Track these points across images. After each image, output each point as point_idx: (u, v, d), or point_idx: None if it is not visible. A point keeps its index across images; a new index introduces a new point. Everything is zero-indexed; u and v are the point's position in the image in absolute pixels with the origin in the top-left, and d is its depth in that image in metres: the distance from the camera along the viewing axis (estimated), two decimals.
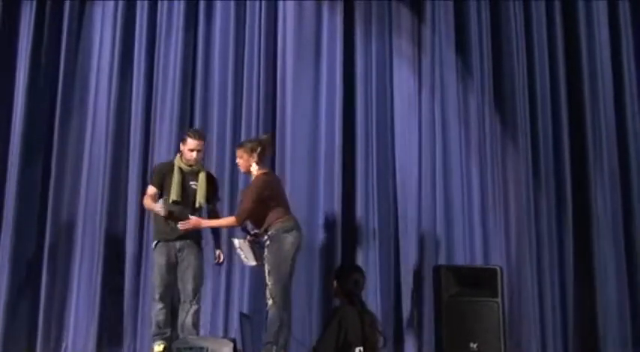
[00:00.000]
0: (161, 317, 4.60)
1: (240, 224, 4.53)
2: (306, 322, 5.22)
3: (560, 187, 5.54)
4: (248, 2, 5.76)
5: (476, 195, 5.48)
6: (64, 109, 5.65)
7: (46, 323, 5.35)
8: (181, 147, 4.74)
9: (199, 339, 4.23)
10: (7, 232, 5.43)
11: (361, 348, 3.99)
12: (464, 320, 4.63)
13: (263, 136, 4.86)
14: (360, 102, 5.63)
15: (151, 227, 5.03)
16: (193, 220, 4.52)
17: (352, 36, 5.74)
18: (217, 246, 4.86)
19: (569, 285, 5.39)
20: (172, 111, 5.60)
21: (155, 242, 4.69)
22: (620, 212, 5.53)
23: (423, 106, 5.62)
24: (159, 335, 4.60)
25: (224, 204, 5.26)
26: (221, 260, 4.86)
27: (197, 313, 4.66)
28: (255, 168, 4.55)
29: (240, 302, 5.30)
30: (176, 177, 4.64)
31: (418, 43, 5.72)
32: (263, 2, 5.73)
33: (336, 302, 4.47)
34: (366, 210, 5.46)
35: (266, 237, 4.42)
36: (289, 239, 4.39)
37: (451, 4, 5.73)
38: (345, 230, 5.43)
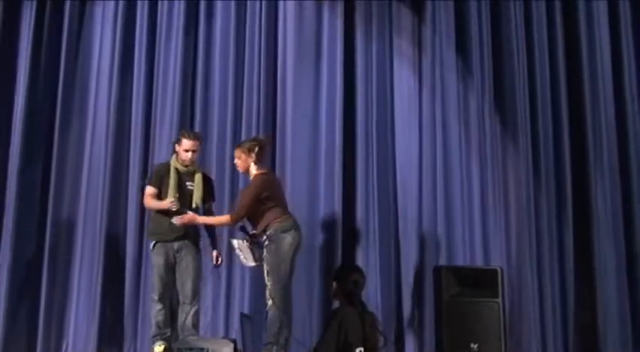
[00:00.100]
0: (161, 318, 4.61)
1: (235, 223, 4.54)
2: (306, 322, 5.22)
3: (561, 187, 5.54)
4: (248, 2, 5.76)
5: (476, 195, 5.47)
6: (64, 109, 5.65)
7: (46, 324, 5.35)
8: (176, 148, 4.75)
9: (200, 340, 4.25)
10: (8, 233, 5.42)
11: (362, 349, 4.00)
12: (464, 320, 4.63)
13: (261, 136, 4.86)
14: (360, 102, 5.63)
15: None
16: (189, 215, 4.55)
17: (353, 36, 5.74)
18: (214, 246, 4.86)
19: (569, 285, 5.39)
20: (173, 111, 5.60)
21: (153, 242, 4.70)
22: (621, 212, 5.53)
23: (423, 106, 5.62)
24: (159, 336, 4.61)
25: (224, 204, 5.26)
26: (219, 262, 4.86)
27: (197, 313, 4.67)
28: (253, 168, 4.55)
29: (241, 303, 5.30)
30: (172, 178, 4.66)
31: (418, 43, 5.72)
32: (263, 2, 5.73)
33: (335, 303, 4.47)
34: (366, 211, 5.46)
35: (265, 238, 4.42)
36: (288, 239, 4.39)
37: (451, 4, 5.72)
38: (346, 230, 5.43)
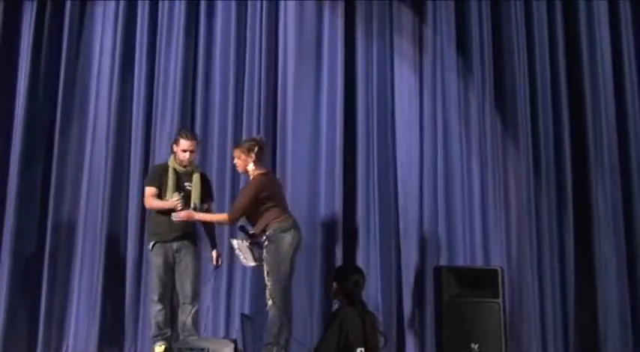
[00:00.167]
0: (161, 318, 4.61)
1: (233, 222, 4.54)
2: (307, 323, 5.22)
3: (561, 187, 5.53)
4: (249, 2, 5.76)
5: (477, 194, 5.47)
6: (65, 109, 5.66)
7: (46, 324, 5.36)
8: (174, 148, 4.76)
9: (200, 340, 4.25)
10: (8, 233, 5.43)
11: (362, 349, 4.00)
12: (465, 320, 4.63)
13: (260, 136, 4.87)
14: (361, 102, 5.62)
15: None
16: (186, 212, 4.55)
17: (353, 36, 5.74)
18: (213, 246, 4.85)
19: (569, 285, 5.38)
20: (173, 111, 5.61)
21: (152, 243, 4.70)
22: (621, 211, 5.52)
23: (424, 106, 5.62)
24: (159, 336, 4.62)
25: (225, 204, 5.26)
26: (219, 263, 4.86)
27: (197, 313, 4.67)
28: (252, 168, 4.55)
29: (242, 303, 5.31)
30: (171, 179, 4.66)
31: (419, 43, 5.72)
32: (264, 2, 5.73)
33: (335, 303, 4.47)
34: (367, 211, 5.45)
35: (264, 238, 4.42)
36: (287, 239, 4.39)
37: (452, 4, 5.72)
38: (346, 230, 5.43)
